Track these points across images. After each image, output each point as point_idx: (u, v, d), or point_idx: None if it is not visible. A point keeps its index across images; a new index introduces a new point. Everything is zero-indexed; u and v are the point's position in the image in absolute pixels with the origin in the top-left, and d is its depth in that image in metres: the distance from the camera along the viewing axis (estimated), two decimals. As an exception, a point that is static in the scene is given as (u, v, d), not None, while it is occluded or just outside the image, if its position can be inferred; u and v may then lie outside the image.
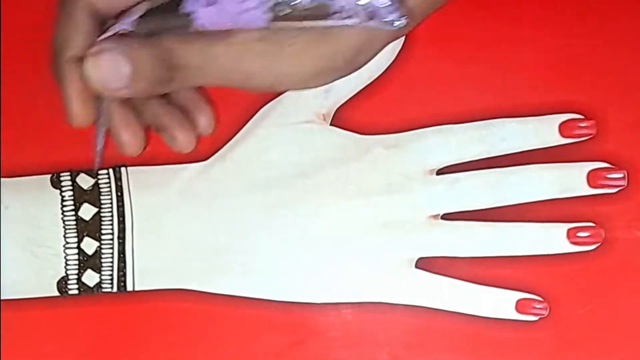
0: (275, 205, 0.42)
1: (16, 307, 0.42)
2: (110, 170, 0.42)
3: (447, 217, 0.42)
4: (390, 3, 0.32)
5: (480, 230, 0.42)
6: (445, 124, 0.42)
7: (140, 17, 0.32)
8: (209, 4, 0.32)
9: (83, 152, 0.42)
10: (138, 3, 0.33)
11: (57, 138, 0.42)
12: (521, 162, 0.42)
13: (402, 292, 0.42)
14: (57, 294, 0.42)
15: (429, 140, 0.42)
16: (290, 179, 0.42)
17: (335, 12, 0.32)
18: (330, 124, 0.42)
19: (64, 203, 0.42)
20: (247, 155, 0.42)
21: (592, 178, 0.41)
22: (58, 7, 0.34)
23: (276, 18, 0.32)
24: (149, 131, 0.40)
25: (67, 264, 0.42)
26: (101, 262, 0.42)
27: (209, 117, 0.40)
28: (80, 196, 0.42)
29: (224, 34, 0.33)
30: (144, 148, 0.39)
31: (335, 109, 0.42)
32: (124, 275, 0.42)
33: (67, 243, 0.42)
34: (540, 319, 0.41)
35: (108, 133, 0.38)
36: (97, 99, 0.35)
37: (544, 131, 0.42)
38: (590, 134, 0.42)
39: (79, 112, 0.34)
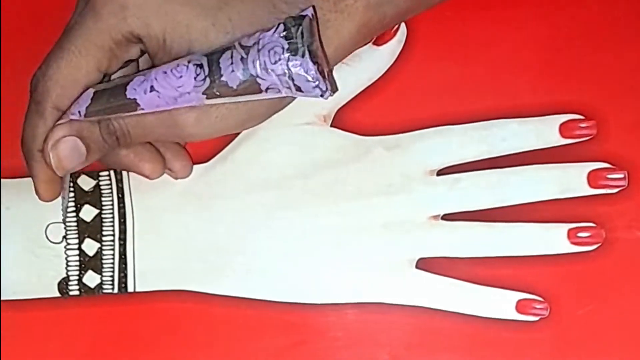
0: (275, 206, 0.42)
1: (17, 307, 0.42)
2: (112, 172, 0.43)
3: (447, 217, 0.42)
4: (313, 79, 0.33)
5: (481, 231, 0.42)
6: (445, 124, 0.42)
7: (90, 104, 0.36)
8: (150, 91, 0.35)
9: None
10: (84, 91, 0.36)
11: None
12: (522, 162, 0.42)
13: (403, 293, 0.42)
14: (58, 294, 0.42)
15: (430, 140, 0.42)
16: (291, 180, 0.42)
17: (268, 88, 0.34)
18: (331, 125, 0.42)
19: (65, 204, 0.42)
20: (248, 156, 0.42)
21: (593, 178, 0.41)
22: (30, 102, 0.37)
23: (211, 96, 0.34)
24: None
25: (68, 265, 0.42)
26: (102, 263, 0.42)
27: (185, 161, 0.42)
28: (82, 197, 0.42)
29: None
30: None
31: (335, 110, 0.42)
32: (125, 276, 0.42)
33: (68, 244, 0.42)
34: (540, 319, 0.41)
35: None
36: (59, 178, 0.39)
37: (544, 132, 0.42)
38: (591, 135, 0.42)
39: (44, 192, 0.38)
